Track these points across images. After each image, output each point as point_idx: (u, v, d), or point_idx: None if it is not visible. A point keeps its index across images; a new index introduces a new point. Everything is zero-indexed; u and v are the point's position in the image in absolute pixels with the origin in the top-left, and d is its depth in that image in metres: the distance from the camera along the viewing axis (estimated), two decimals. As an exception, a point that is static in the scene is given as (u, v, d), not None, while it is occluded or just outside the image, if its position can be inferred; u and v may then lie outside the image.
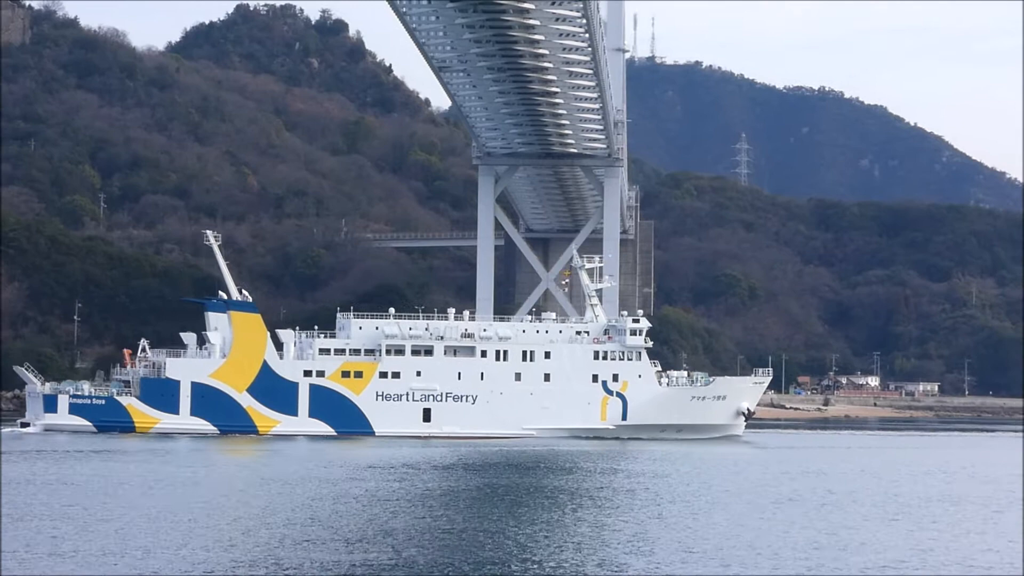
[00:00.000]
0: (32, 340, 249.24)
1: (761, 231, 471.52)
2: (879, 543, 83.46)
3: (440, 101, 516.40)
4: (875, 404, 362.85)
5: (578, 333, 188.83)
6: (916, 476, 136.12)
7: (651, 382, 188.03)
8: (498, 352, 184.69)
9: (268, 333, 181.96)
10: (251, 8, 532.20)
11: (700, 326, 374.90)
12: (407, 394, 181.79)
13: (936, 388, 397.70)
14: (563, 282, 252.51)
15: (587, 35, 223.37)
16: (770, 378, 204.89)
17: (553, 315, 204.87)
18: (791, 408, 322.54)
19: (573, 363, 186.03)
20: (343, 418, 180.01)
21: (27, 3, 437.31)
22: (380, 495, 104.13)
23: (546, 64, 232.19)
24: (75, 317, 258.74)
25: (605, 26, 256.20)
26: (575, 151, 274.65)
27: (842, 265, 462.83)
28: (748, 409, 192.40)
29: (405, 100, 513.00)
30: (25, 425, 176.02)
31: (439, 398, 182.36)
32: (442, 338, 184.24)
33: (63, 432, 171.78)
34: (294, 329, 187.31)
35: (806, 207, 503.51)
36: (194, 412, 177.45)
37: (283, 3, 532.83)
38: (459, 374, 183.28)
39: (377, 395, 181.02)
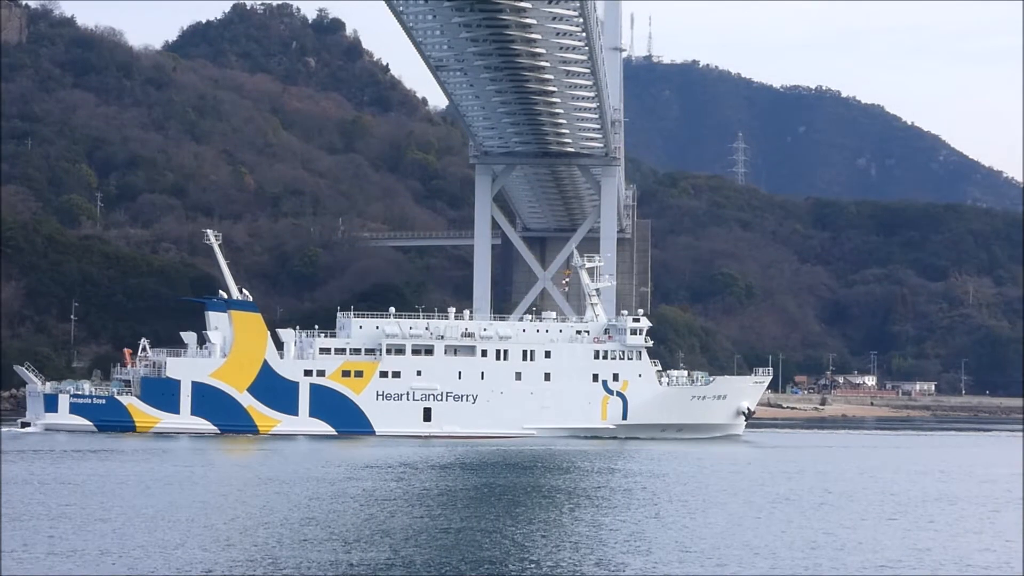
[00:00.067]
0: (29, 339, 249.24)
1: (758, 230, 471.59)
2: (876, 543, 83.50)
3: (437, 100, 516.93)
4: (872, 404, 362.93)
5: (578, 332, 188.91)
6: (913, 475, 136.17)
7: (651, 381, 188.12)
8: (498, 351, 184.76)
9: (268, 332, 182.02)
10: (248, 7, 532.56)
11: (697, 325, 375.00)
12: (407, 394, 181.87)
13: (933, 387, 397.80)
14: (563, 281, 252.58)
15: (584, 34, 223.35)
16: (770, 377, 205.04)
17: (553, 314, 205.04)
18: (788, 408, 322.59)
19: (573, 363, 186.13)
20: (343, 418, 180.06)
21: (24, 2, 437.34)
22: (378, 495, 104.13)
23: (543, 63, 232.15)
24: (72, 316, 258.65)
25: (602, 25, 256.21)
26: (572, 150, 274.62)
27: (839, 264, 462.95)
28: (748, 408, 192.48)
29: (402, 99, 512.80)
30: (26, 425, 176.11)
31: (439, 398, 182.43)
32: (442, 337, 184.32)
33: (63, 432, 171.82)
34: (294, 328, 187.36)
35: (803, 206, 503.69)
36: (195, 412, 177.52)
37: (280, 2, 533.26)
38: (459, 374, 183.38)
39: (377, 395, 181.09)
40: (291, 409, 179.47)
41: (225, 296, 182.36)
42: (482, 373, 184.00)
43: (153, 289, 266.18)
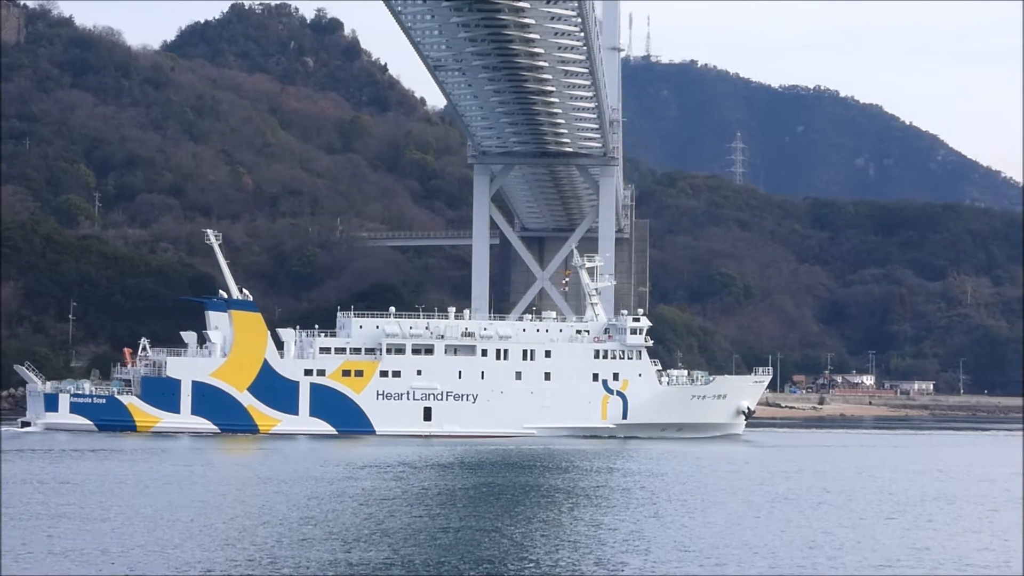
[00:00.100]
0: (27, 339, 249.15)
1: (756, 230, 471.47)
2: (875, 542, 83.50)
3: (435, 100, 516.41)
4: (870, 403, 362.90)
5: (578, 332, 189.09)
6: (912, 475, 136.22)
7: (651, 381, 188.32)
8: (498, 351, 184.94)
9: (269, 332, 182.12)
10: (246, 7, 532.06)
11: (695, 325, 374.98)
12: (408, 393, 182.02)
13: (931, 387, 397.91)
14: (563, 281, 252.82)
15: (582, 34, 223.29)
16: (770, 377, 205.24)
17: (553, 314, 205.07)
18: (787, 407, 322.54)
19: (573, 362, 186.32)
20: (344, 417, 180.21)
21: (22, 2, 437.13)
22: (377, 494, 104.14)
23: (541, 63, 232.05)
24: (70, 316, 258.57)
25: (600, 25, 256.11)
26: (570, 150, 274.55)
27: (837, 264, 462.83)
28: (748, 408, 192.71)
29: (400, 99, 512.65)
30: (26, 424, 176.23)
31: (440, 397, 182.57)
32: (443, 337, 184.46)
33: (64, 431, 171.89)
34: (295, 328, 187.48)
35: (801, 206, 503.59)
36: (195, 411, 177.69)
37: (278, 2, 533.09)
38: (460, 373, 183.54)
39: (378, 394, 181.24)
40: (291, 409, 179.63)
41: (225, 296, 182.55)
42: (482, 373, 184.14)
43: (151, 289, 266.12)
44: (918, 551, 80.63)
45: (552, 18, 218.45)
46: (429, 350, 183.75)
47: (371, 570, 70.02)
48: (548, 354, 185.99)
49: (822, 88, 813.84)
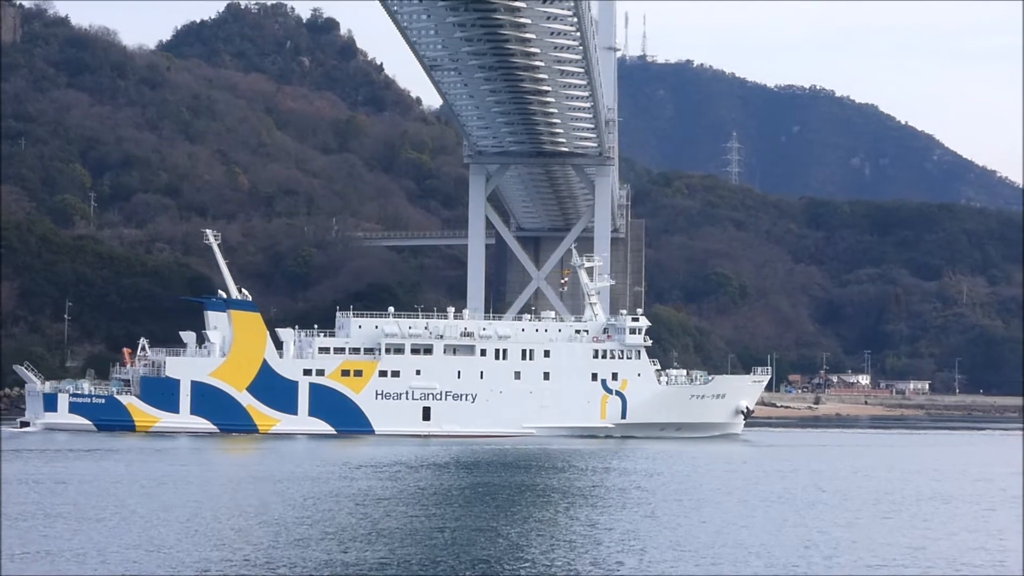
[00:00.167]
0: (23, 339, 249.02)
1: (752, 230, 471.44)
2: (870, 541, 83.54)
3: (431, 100, 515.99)
4: (866, 402, 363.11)
5: (577, 332, 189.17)
6: (907, 474, 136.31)
7: (650, 381, 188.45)
8: (497, 351, 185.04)
9: (268, 332, 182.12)
10: (242, 7, 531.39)
11: (691, 325, 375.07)
12: (407, 393, 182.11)
13: (927, 386, 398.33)
14: (562, 281, 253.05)
15: (578, 34, 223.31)
16: (769, 377, 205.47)
17: (552, 314, 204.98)
18: (782, 407, 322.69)
19: (572, 362, 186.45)
20: (343, 417, 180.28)
21: (18, 1, 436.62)
22: (374, 494, 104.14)
23: (537, 63, 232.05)
24: (65, 316, 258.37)
25: (596, 25, 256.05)
26: (566, 150, 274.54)
27: (833, 263, 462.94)
28: (747, 408, 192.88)
29: (396, 99, 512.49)
30: (25, 424, 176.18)
31: (439, 397, 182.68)
32: (441, 337, 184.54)
33: (63, 431, 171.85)
34: (293, 328, 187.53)
35: (797, 205, 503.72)
36: (194, 411, 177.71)
37: (274, 2, 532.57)
38: (459, 373, 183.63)
39: (377, 394, 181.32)
40: (290, 408, 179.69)
41: (224, 296, 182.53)
42: (481, 372, 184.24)
43: (147, 289, 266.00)
44: (913, 551, 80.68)
45: (548, 18, 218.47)
46: (428, 350, 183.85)
47: (367, 570, 70.04)
48: (547, 354, 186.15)
49: (818, 88, 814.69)
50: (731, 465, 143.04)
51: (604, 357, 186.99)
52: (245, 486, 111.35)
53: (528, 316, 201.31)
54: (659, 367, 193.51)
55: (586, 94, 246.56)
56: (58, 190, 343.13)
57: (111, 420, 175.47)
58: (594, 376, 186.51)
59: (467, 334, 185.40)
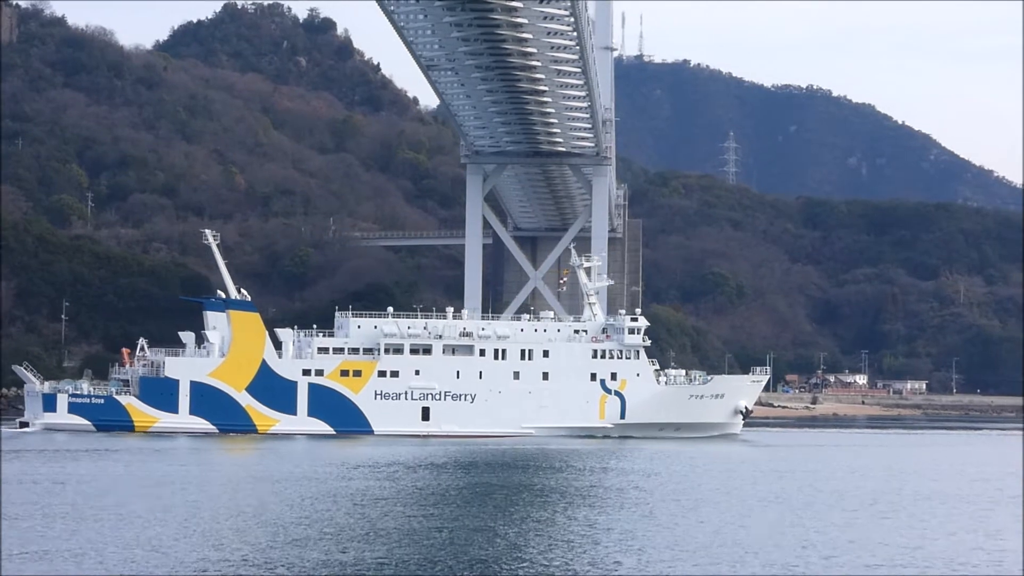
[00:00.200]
0: (19, 339, 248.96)
1: (749, 229, 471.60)
2: (868, 541, 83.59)
3: (428, 100, 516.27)
4: (863, 402, 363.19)
5: (576, 332, 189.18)
6: (905, 474, 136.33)
7: (649, 381, 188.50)
8: (496, 351, 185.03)
9: (267, 332, 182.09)
10: (239, 6, 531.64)
11: (688, 325, 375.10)
12: (406, 393, 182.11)
13: (924, 386, 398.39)
14: (560, 281, 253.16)
15: (575, 33, 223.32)
16: (768, 376, 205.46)
17: (551, 314, 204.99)
18: (779, 406, 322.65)
19: (571, 362, 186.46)
20: (342, 417, 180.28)
21: (14, 1, 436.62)
22: (372, 494, 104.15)
23: (534, 63, 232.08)
24: (63, 316, 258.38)
25: (593, 24, 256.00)
26: (563, 150, 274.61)
27: (830, 263, 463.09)
28: (746, 407, 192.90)
29: (393, 99, 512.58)
30: (24, 424, 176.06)
31: (438, 397, 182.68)
32: (440, 337, 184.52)
33: (62, 431, 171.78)
34: (293, 328, 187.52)
35: (794, 205, 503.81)
36: (193, 411, 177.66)
37: (271, 1, 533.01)
38: (458, 373, 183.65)
39: (376, 394, 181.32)
40: (290, 408, 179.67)
41: (223, 296, 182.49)
42: (480, 372, 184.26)
43: (144, 289, 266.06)
44: (911, 551, 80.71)
45: (545, 18, 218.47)
46: (427, 350, 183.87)
47: (366, 570, 70.05)
48: (546, 354, 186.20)
49: (815, 88, 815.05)
50: (729, 465, 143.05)
51: (603, 357, 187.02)
52: (244, 486, 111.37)
53: (527, 316, 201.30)
54: (658, 367, 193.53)
55: (583, 94, 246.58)
56: (55, 190, 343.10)
57: (110, 420, 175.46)
58: (593, 376, 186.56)
59: (466, 334, 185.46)
